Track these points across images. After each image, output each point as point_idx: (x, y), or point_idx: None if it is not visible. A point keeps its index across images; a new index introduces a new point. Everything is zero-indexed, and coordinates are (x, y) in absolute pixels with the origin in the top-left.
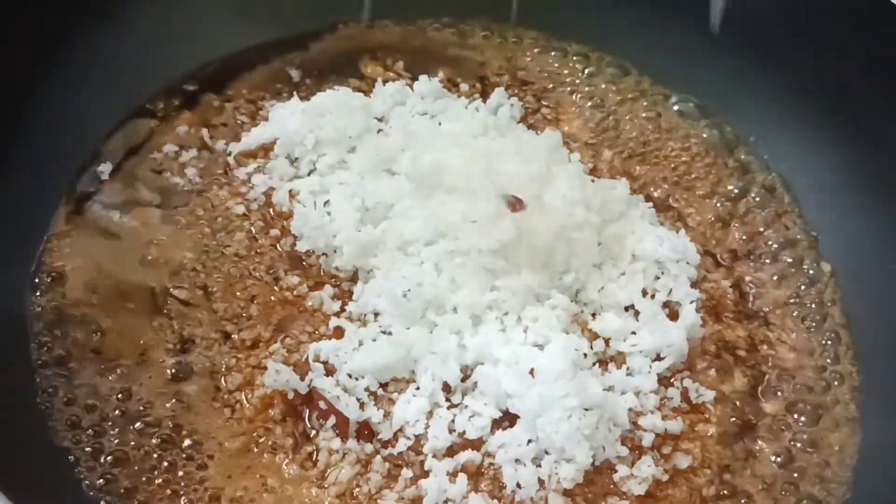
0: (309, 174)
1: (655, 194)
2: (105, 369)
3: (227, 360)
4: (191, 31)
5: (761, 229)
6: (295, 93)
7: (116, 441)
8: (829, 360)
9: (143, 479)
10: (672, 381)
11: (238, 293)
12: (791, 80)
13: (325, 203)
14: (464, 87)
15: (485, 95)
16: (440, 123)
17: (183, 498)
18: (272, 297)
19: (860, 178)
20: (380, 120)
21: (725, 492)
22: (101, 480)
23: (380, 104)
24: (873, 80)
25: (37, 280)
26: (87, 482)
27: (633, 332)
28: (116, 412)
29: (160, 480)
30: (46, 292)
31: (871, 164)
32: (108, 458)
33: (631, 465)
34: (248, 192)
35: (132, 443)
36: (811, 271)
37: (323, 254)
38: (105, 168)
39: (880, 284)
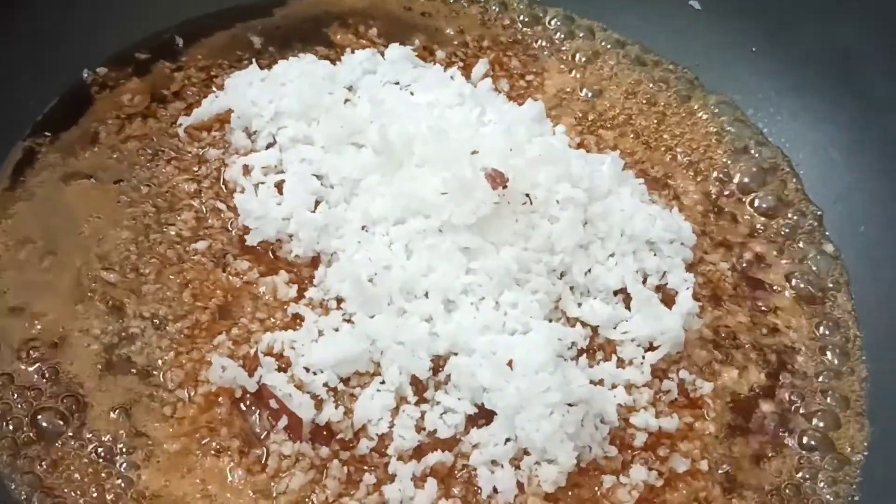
0: (267, 148)
1: (648, 170)
2: (26, 356)
3: (165, 353)
4: None
5: (762, 208)
6: (255, 60)
7: (39, 435)
8: (836, 350)
9: (69, 479)
10: (668, 372)
11: (172, 276)
12: (790, 48)
13: (278, 184)
14: (441, 54)
15: (466, 64)
16: (412, 93)
17: (113, 502)
18: (211, 283)
19: (865, 151)
20: (349, 90)
21: (727, 495)
22: (25, 479)
23: (347, 73)
24: (878, 46)
25: None
26: (11, 484)
27: (624, 320)
28: (40, 403)
29: (88, 482)
30: None
31: (877, 135)
32: (36, 458)
33: (621, 469)
34: (199, 168)
35: (57, 440)
36: (816, 252)
37: (277, 241)
38: (42, 140)
39: (888, 266)
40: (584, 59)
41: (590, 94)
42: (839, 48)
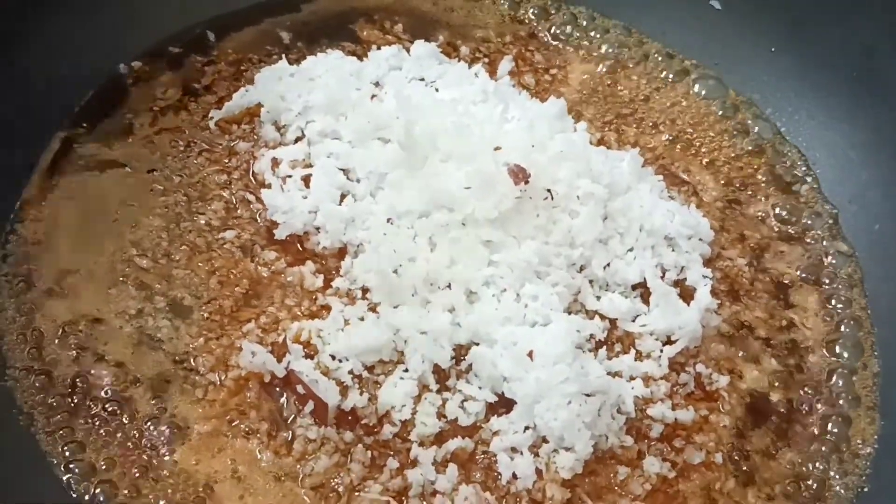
0: (296, 142)
1: (667, 167)
2: (62, 337)
3: (195, 339)
4: None
5: (779, 206)
6: (284, 55)
7: (80, 417)
8: (849, 346)
9: (104, 456)
10: (685, 366)
11: (201, 263)
12: (809, 48)
13: (305, 178)
14: (464, 50)
15: (490, 59)
16: (437, 89)
17: (147, 478)
18: (239, 272)
19: (882, 151)
20: (376, 85)
21: (741, 486)
22: (64, 458)
23: (374, 69)
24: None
25: (6, 248)
26: (52, 459)
27: (643, 313)
28: (75, 383)
29: (122, 460)
30: (16, 259)
31: (894, 135)
32: (74, 436)
33: (636, 458)
34: (229, 160)
35: (96, 419)
36: (831, 250)
37: (304, 232)
38: (79, 131)
39: None
40: (605, 56)
41: (611, 91)
42: (858, 49)
